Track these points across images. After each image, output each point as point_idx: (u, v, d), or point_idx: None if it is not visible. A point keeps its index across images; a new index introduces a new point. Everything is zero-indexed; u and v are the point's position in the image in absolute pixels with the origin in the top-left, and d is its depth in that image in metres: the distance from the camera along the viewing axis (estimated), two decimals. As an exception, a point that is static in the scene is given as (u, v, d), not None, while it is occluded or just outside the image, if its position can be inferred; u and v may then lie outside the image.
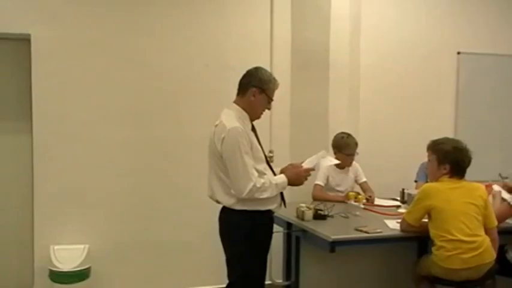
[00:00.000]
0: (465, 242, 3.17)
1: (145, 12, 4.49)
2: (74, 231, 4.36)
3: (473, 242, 3.18)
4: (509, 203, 3.58)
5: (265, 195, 2.95)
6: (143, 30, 4.49)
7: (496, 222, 3.34)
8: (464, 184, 3.34)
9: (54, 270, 4.08)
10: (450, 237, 3.18)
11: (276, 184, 3.02)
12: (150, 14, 4.50)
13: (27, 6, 4.21)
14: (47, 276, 4.14)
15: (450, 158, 3.35)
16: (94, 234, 4.39)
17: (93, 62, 4.38)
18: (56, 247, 4.21)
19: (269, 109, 3.14)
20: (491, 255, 3.25)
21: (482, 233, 3.24)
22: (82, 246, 4.26)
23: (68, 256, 4.14)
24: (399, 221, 3.51)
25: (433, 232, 3.28)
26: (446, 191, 3.29)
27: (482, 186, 3.39)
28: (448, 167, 3.35)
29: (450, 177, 3.35)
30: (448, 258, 3.19)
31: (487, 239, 3.24)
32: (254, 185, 2.89)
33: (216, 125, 3.03)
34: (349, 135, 4.49)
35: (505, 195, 3.68)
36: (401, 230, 3.45)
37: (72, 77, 4.33)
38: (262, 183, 2.93)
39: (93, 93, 4.39)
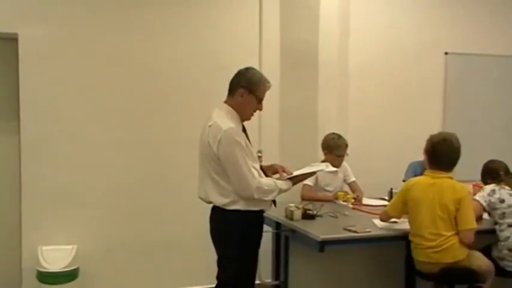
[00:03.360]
0: (426, 239, 3.30)
1: (134, 13, 4.46)
2: (62, 231, 4.33)
3: (434, 240, 3.27)
4: (478, 201, 3.65)
5: (270, 196, 2.98)
6: (132, 30, 4.47)
7: (467, 226, 3.27)
8: (441, 182, 3.35)
9: (42, 271, 4.05)
10: (417, 231, 3.36)
11: (280, 189, 3.04)
12: (139, 14, 4.47)
13: (14, 6, 4.17)
14: (34, 276, 4.11)
15: (428, 148, 3.46)
16: (82, 235, 4.37)
17: (81, 61, 4.34)
18: (43, 248, 4.18)
19: (260, 109, 3.10)
20: (453, 256, 3.27)
21: (448, 233, 3.27)
22: (70, 246, 4.23)
23: (55, 257, 4.11)
24: (387, 220, 3.58)
25: (410, 224, 3.45)
26: (424, 187, 3.37)
27: (460, 188, 3.33)
28: (427, 157, 3.48)
29: (430, 168, 3.44)
30: (414, 250, 3.42)
31: (453, 241, 3.27)
32: (261, 186, 2.90)
33: (210, 126, 2.95)
34: (339, 136, 4.50)
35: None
36: (381, 219, 3.60)
37: (60, 77, 4.30)
38: (269, 185, 2.95)
39: (81, 93, 4.36)
